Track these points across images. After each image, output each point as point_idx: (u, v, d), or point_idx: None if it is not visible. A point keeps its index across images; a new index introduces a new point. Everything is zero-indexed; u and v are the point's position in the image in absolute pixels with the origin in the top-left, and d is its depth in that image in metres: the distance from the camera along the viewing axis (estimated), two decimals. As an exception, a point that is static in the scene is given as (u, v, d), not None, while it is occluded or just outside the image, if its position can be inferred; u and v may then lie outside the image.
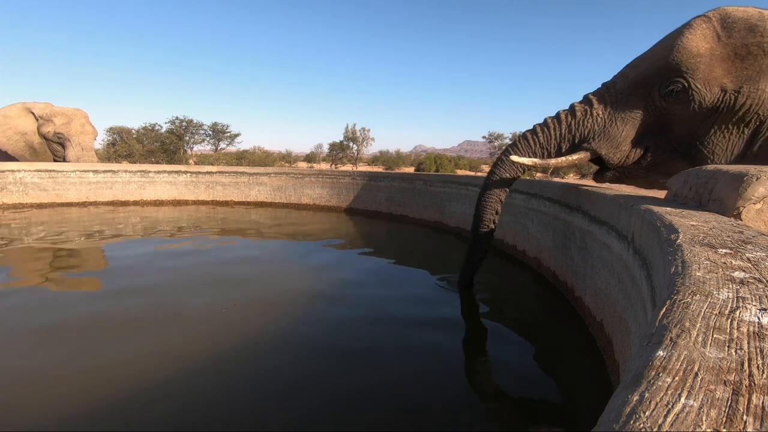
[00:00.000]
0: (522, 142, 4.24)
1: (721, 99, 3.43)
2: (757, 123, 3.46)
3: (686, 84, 3.46)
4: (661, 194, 4.69)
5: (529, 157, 4.17)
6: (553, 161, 4.09)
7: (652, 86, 3.68)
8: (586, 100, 4.00)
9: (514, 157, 4.13)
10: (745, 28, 3.34)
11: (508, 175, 4.37)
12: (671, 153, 3.85)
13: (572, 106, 4.04)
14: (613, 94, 3.87)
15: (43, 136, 13.28)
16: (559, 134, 4.05)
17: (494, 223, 4.56)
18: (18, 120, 13.11)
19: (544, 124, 4.15)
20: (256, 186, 13.27)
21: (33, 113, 13.30)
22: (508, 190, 4.51)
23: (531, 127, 4.27)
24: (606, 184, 4.73)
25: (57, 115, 13.33)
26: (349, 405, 2.67)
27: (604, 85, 4.02)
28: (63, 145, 13.35)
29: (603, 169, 4.23)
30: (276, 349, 3.39)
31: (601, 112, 3.88)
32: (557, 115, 4.11)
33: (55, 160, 13.47)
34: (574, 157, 4.01)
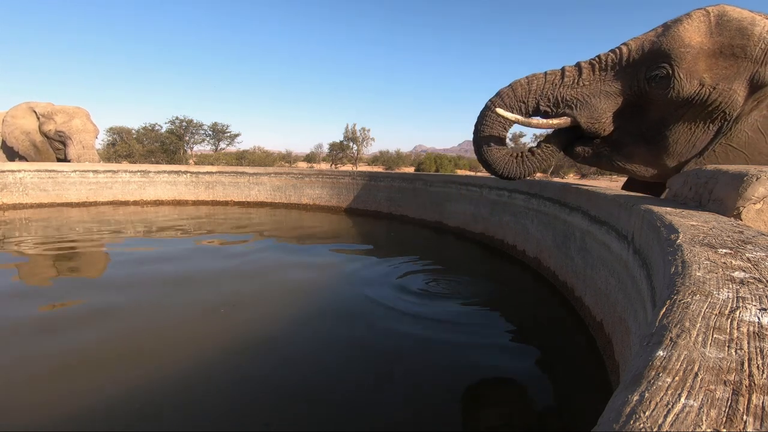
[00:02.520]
0: (504, 92, 4.20)
1: (697, 92, 3.54)
2: (722, 121, 3.61)
3: (670, 71, 3.55)
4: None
5: (511, 110, 4.15)
6: (534, 121, 4.12)
7: (639, 67, 3.76)
8: (578, 66, 4.03)
9: (499, 110, 4.14)
10: (736, 29, 3.43)
11: (497, 130, 4.30)
12: (636, 137, 3.96)
13: (563, 69, 4.06)
14: (604, 67, 3.93)
15: (45, 135, 13.29)
16: (540, 90, 4.08)
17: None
18: (22, 120, 13.14)
19: (527, 79, 4.16)
20: (256, 186, 13.26)
21: (35, 112, 13.32)
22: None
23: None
24: (604, 184, 4.74)
25: (58, 113, 13.33)
26: (348, 404, 2.67)
27: (597, 56, 4.05)
28: (64, 144, 13.35)
29: (575, 143, 4.27)
30: (278, 350, 3.39)
31: (588, 82, 3.94)
32: (545, 74, 4.12)
33: (57, 159, 13.48)
34: (555, 121, 4.06)
